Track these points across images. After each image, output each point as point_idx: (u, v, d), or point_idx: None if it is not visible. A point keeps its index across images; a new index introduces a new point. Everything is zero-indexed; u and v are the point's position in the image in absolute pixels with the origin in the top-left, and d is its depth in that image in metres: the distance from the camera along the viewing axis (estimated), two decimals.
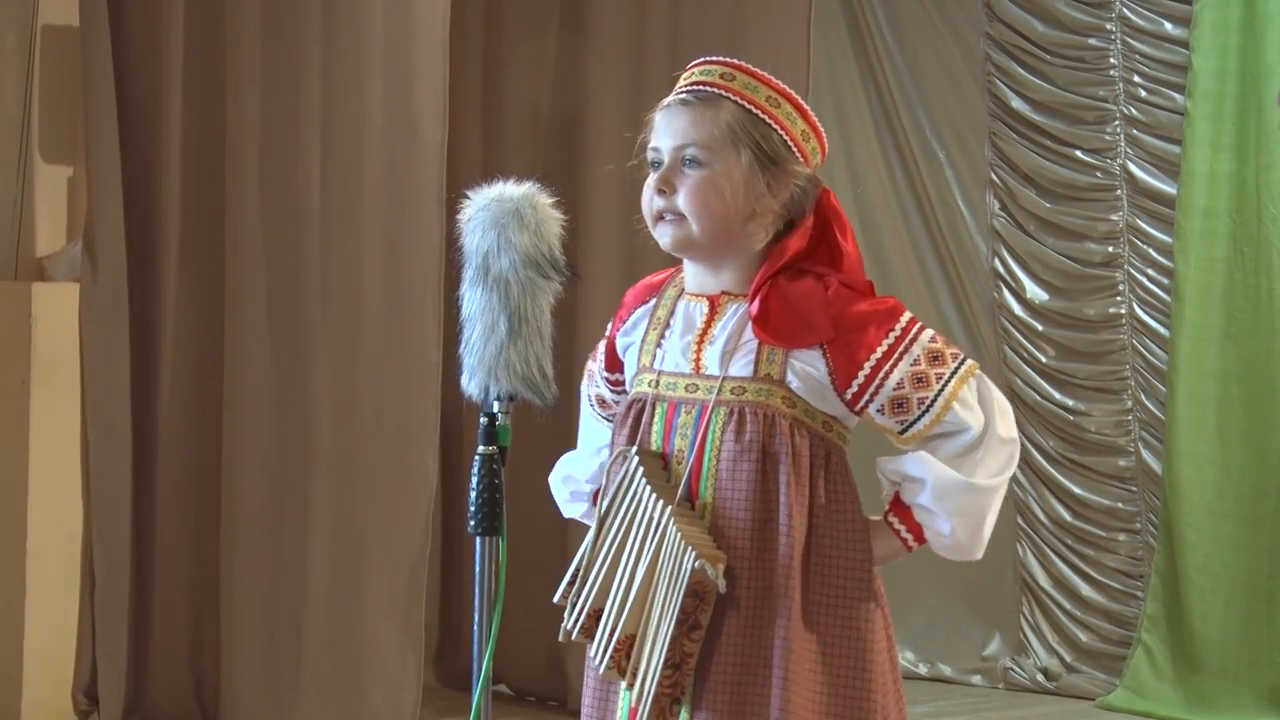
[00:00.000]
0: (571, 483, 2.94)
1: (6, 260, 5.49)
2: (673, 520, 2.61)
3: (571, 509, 2.97)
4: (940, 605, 6.80)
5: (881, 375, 2.64)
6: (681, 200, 2.69)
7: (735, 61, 2.75)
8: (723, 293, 2.72)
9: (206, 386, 5.44)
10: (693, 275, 2.77)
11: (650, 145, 2.75)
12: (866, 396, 2.65)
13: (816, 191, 2.73)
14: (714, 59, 2.76)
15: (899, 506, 2.70)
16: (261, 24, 5.34)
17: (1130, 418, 6.69)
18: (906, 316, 2.67)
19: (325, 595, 5.30)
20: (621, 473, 2.69)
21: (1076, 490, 6.75)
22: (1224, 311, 6.28)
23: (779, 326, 2.65)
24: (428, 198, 5.31)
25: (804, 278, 2.68)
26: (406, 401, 5.32)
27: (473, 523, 2.70)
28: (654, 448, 2.71)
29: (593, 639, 2.67)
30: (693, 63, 2.79)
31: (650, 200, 2.72)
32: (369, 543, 5.31)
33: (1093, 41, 6.67)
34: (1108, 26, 6.64)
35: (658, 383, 2.74)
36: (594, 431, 2.95)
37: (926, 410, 2.65)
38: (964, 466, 2.65)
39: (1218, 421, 6.31)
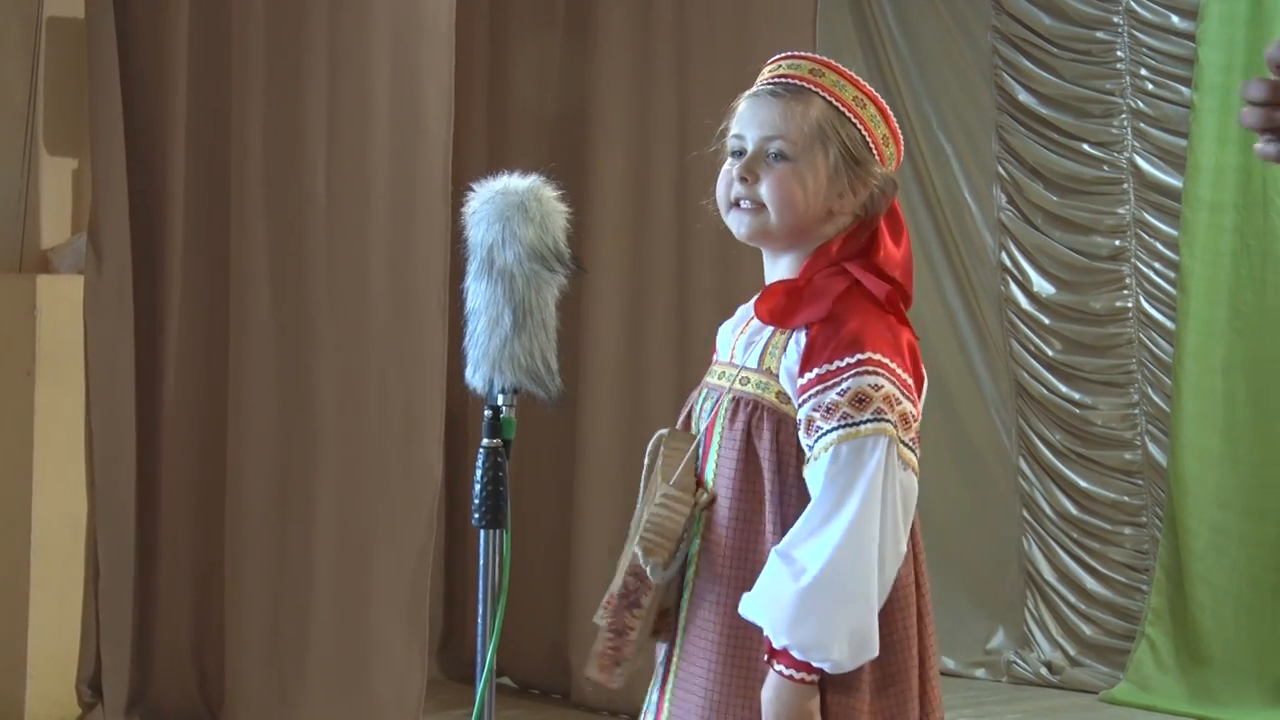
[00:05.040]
0: None
1: (11, 252, 5.49)
2: (647, 503, 2.65)
3: None
4: (944, 598, 6.79)
5: (820, 387, 2.57)
6: (764, 190, 2.67)
7: (824, 59, 2.74)
8: (775, 283, 2.72)
9: (211, 378, 5.44)
10: (765, 265, 2.77)
11: (733, 133, 2.73)
12: (806, 395, 2.58)
13: (893, 194, 2.72)
14: (802, 54, 2.75)
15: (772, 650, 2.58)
16: (266, 16, 5.34)
17: (1136, 411, 6.69)
18: (874, 354, 2.56)
19: (330, 588, 5.30)
20: (655, 453, 2.73)
21: (1082, 484, 6.75)
22: (1230, 305, 6.28)
23: (776, 307, 2.64)
24: (433, 190, 5.30)
25: (839, 275, 2.66)
26: (411, 394, 5.32)
27: (477, 516, 2.70)
28: (694, 430, 2.73)
29: None
30: (777, 56, 2.77)
31: (729, 186, 2.71)
32: (374, 535, 5.31)
33: (1100, 35, 6.67)
34: (1114, 20, 6.63)
35: (711, 370, 2.76)
36: None
37: (816, 440, 2.56)
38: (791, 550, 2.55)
39: (1224, 415, 6.30)
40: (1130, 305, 6.67)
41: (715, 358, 2.77)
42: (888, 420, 2.54)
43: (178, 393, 5.44)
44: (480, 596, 2.69)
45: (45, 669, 5.34)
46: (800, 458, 2.60)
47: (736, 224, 2.71)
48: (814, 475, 2.56)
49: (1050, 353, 6.81)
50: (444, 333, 5.27)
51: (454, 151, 5.39)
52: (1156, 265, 6.61)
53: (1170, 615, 6.43)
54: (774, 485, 2.61)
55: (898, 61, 6.94)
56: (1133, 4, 6.58)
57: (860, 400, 2.54)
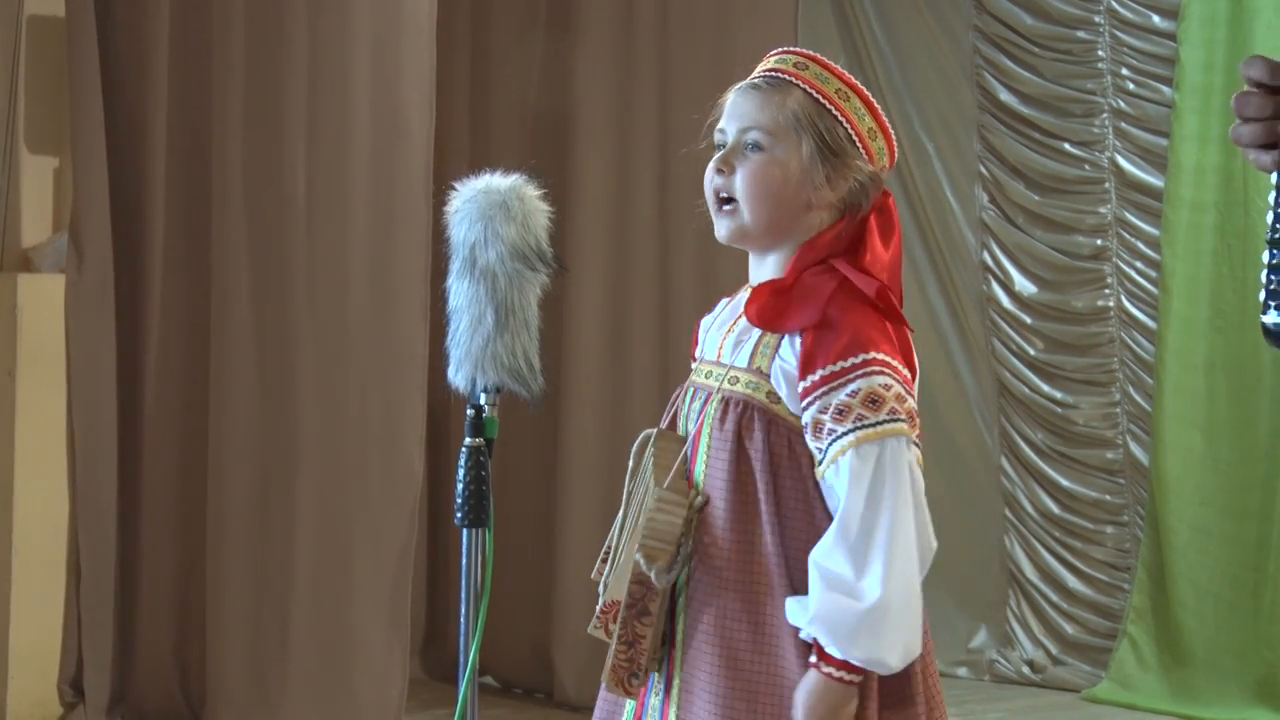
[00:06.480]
0: None
1: None
2: (645, 506, 2.62)
3: None
4: (926, 597, 6.77)
5: (825, 389, 2.55)
6: (738, 182, 2.66)
7: (811, 53, 2.73)
8: (763, 284, 2.68)
9: (192, 378, 5.43)
10: (751, 267, 2.74)
11: (718, 127, 2.73)
12: (810, 399, 2.56)
13: (878, 191, 2.68)
14: (791, 49, 2.75)
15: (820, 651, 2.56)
16: (247, 15, 5.33)
17: (1118, 410, 6.70)
18: (877, 354, 2.55)
19: (311, 587, 5.29)
20: (642, 454, 2.69)
21: (1064, 483, 6.76)
22: (1211, 304, 6.29)
23: (765, 308, 2.61)
24: (415, 189, 5.30)
25: (826, 273, 2.62)
26: (393, 393, 5.31)
27: (459, 515, 2.70)
28: (682, 431, 2.69)
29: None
30: (771, 52, 2.76)
31: (709, 180, 2.70)
32: (356, 534, 5.30)
33: (1081, 34, 6.67)
34: (1095, 19, 6.64)
35: (697, 368, 2.73)
36: None
37: (831, 444, 2.54)
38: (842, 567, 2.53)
39: (1205, 414, 6.31)
40: (1112, 304, 6.68)
41: (700, 355, 2.75)
42: (902, 420, 2.54)
43: (159, 391, 5.43)
44: (463, 596, 2.69)
45: (27, 668, 5.33)
46: (792, 459, 2.58)
47: (718, 229, 2.70)
48: (838, 477, 2.54)
49: (1032, 352, 6.81)
50: (426, 332, 5.26)
51: (436, 150, 5.38)
52: (1138, 264, 6.62)
53: (1152, 614, 6.44)
54: (767, 486, 2.58)
55: (879, 61, 6.94)
56: (1114, 4, 6.58)
57: (873, 401, 2.53)
